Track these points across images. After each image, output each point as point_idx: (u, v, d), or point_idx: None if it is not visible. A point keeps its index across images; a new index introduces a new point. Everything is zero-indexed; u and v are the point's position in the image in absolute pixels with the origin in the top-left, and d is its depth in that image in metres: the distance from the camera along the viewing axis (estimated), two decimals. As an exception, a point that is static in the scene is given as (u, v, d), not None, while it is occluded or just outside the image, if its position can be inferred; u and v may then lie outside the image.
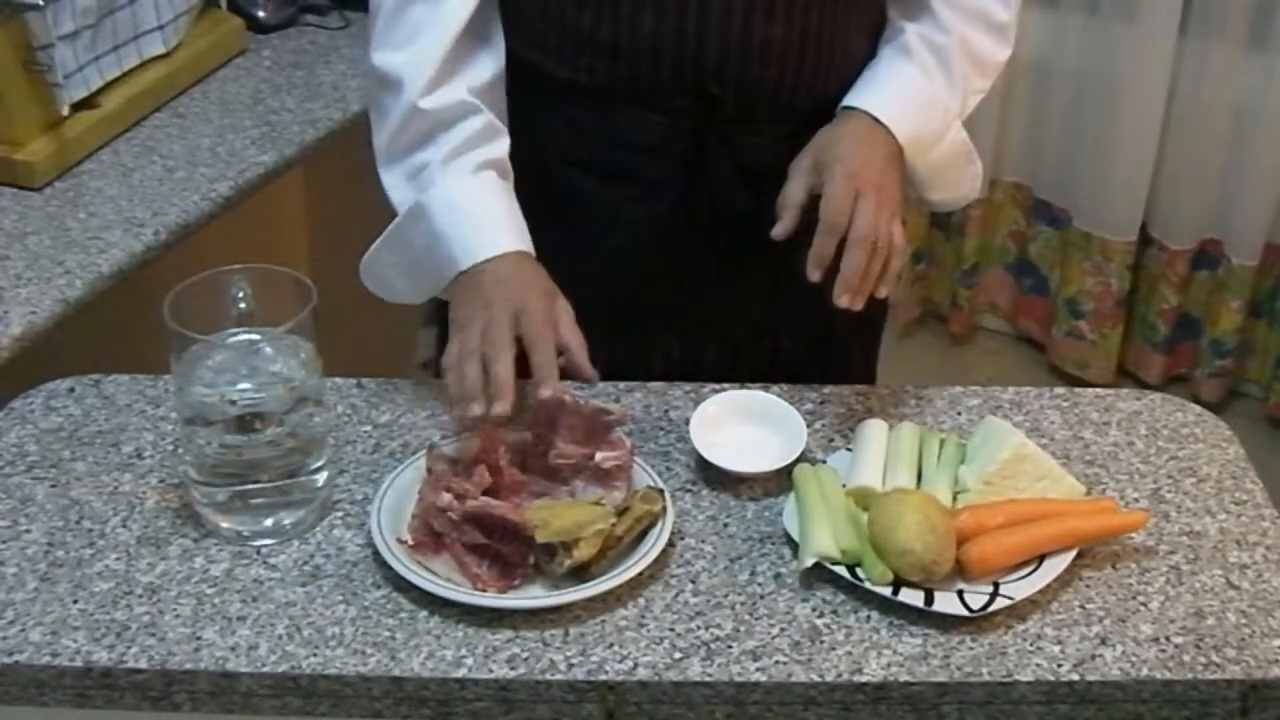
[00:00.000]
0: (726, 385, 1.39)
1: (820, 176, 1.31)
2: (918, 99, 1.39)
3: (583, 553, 1.14)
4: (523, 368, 1.27)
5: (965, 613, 1.14)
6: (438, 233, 1.31)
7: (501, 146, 1.37)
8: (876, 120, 1.35)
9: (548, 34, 1.40)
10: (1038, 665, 1.11)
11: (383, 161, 1.38)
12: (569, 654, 1.11)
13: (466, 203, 1.32)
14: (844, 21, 1.39)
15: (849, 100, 1.38)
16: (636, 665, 1.10)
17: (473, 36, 1.38)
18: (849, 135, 1.34)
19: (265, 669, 1.09)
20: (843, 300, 1.27)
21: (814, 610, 1.16)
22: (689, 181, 1.42)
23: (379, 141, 1.38)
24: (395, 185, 1.37)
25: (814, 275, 1.27)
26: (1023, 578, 1.17)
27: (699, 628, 1.14)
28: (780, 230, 1.31)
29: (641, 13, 1.34)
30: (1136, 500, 1.29)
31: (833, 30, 1.39)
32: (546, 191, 1.41)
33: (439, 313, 1.42)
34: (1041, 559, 1.18)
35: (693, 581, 1.18)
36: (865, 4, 1.42)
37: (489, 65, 1.39)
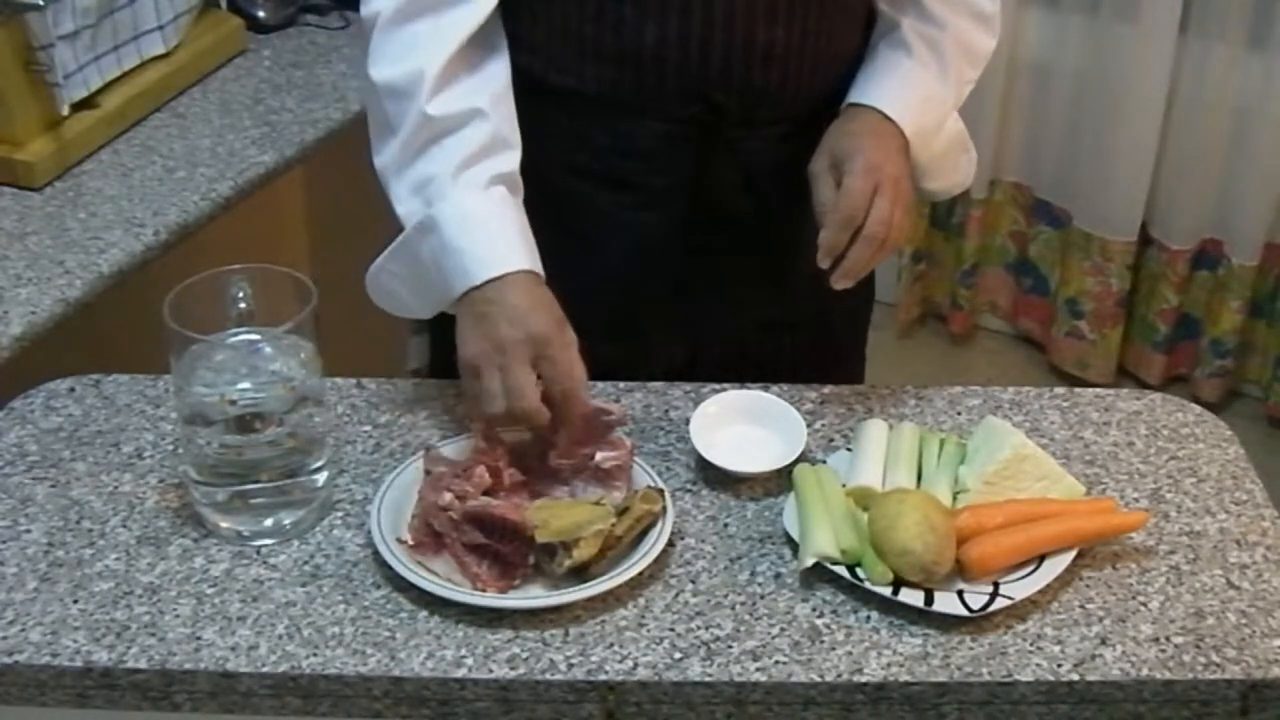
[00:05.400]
0: (726, 385, 1.39)
1: (839, 172, 1.32)
2: (919, 93, 1.41)
3: (583, 553, 1.14)
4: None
5: (965, 613, 1.14)
6: (449, 246, 1.27)
7: (512, 159, 1.33)
8: (885, 115, 1.37)
9: (550, 43, 1.39)
10: (1038, 665, 1.11)
11: (390, 174, 1.33)
12: (569, 654, 1.11)
13: (481, 217, 1.28)
14: (839, 19, 1.40)
15: (854, 97, 1.39)
16: (636, 665, 1.10)
17: (477, 46, 1.35)
18: (863, 130, 1.35)
19: (265, 669, 1.09)
20: (840, 283, 1.30)
21: (814, 610, 1.16)
22: (691, 187, 1.42)
23: (385, 155, 1.33)
24: (401, 198, 1.32)
25: (825, 263, 1.29)
26: (1023, 578, 1.17)
27: (699, 628, 1.14)
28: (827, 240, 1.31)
29: (645, 22, 1.34)
30: (1136, 500, 1.29)
31: (830, 29, 1.39)
32: (548, 197, 1.40)
33: (431, 320, 1.41)
34: (1041, 559, 1.18)
35: (693, 581, 1.18)
36: (856, 1, 1.43)
37: (496, 72, 1.36)
